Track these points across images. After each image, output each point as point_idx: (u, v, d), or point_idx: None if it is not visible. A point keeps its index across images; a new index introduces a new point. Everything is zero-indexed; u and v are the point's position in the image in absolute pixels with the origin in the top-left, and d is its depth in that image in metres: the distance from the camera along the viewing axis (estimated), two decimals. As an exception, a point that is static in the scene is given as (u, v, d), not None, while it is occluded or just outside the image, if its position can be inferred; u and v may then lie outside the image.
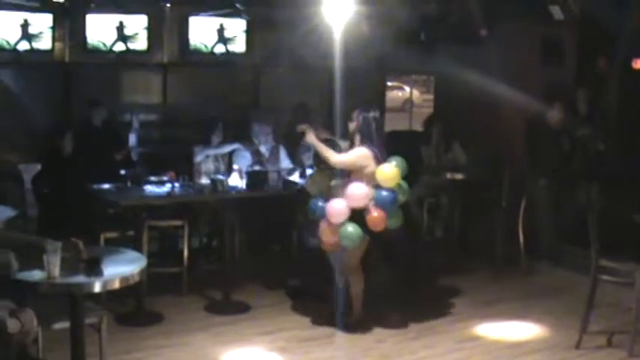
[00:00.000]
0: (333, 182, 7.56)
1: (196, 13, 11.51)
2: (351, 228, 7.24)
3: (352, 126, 7.54)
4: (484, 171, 9.70)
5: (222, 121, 9.49)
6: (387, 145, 7.63)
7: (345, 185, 7.38)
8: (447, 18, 10.39)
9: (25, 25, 10.61)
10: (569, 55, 10.41)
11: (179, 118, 11.06)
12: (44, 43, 10.72)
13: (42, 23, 10.69)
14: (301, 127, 7.70)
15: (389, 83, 13.65)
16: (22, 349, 4.80)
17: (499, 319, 8.00)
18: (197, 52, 11.55)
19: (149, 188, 8.27)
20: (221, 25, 11.67)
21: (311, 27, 9.40)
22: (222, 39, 11.66)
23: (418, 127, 11.26)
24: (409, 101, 19.35)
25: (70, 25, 10.99)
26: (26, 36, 10.63)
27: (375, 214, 7.28)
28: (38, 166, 9.04)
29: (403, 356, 7.06)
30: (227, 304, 8.20)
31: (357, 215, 7.27)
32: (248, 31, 11.77)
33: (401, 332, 7.63)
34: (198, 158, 9.12)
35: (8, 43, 10.47)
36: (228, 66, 11.74)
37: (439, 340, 7.44)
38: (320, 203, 7.44)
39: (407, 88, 21.87)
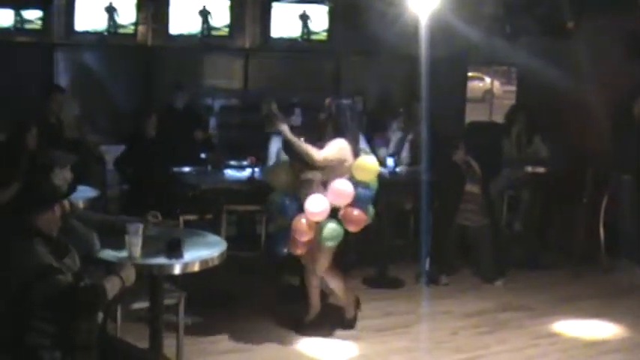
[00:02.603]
0: (304, 176, 6.88)
1: (279, -2, 11.55)
2: (334, 225, 6.78)
3: (323, 116, 6.98)
4: (566, 165, 9.54)
5: (300, 107, 9.47)
6: (467, 137, 7.48)
7: (322, 180, 6.83)
8: (534, 10, 10.23)
9: (109, 9, 10.75)
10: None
11: (260, 103, 11.08)
12: (128, 26, 10.85)
13: (126, 7, 10.81)
14: (271, 113, 7.12)
15: (469, 73, 13.49)
16: (102, 326, 4.85)
17: (577, 317, 7.86)
18: (279, 37, 11.57)
19: (229, 172, 8.33)
20: (303, 12, 11.69)
21: (394, 15, 9.35)
22: (304, 25, 11.67)
23: (498, 118, 11.11)
24: (489, 92, 19.12)
25: (153, 9, 11.10)
26: (110, 20, 10.76)
27: (355, 213, 6.82)
28: (120, 148, 9.14)
29: (477, 350, 7.00)
30: (302, 290, 8.20)
31: (333, 213, 6.83)
32: (330, 18, 11.76)
33: (475, 326, 7.56)
34: (274, 147, 9.14)
35: (94, 28, 10.64)
36: (309, 52, 11.74)
37: (514, 336, 7.35)
38: (288, 201, 6.89)
39: (487, 79, 21.63)
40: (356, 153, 6.89)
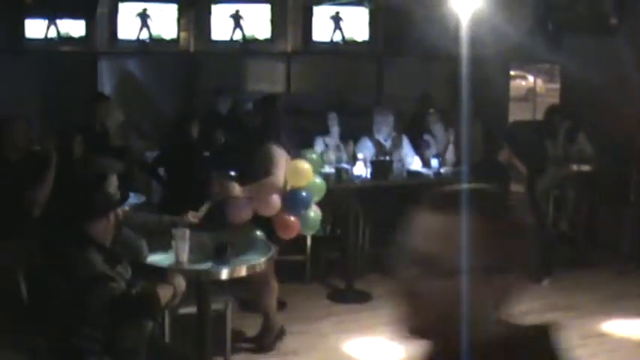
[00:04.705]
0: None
1: (320, 2, 11.56)
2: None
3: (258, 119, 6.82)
4: (612, 163, 9.46)
5: (336, 111, 9.46)
6: (511, 136, 7.37)
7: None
8: (576, 6, 10.17)
9: (150, 16, 10.83)
10: None
11: (302, 107, 11.10)
12: (170, 33, 10.94)
13: (167, 13, 10.90)
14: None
15: (511, 72, 13.42)
16: (151, 331, 4.88)
17: (625, 317, 7.78)
18: (320, 41, 11.59)
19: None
20: (343, 14, 11.70)
21: (436, 15, 9.33)
22: (346, 28, 11.68)
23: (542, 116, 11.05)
24: (532, 90, 19.02)
25: (194, 15, 11.18)
26: (152, 26, 10.85)
27: (287, 221, 6.60)
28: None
29: (525, 350, 6.94)
30: (349, 293, 8.22)
31: (264, 219, 6.60)
32: (371, 20, 11.77)
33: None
34: (318, 148, 9.14)
35: (136, 36, 10.74)
36: (351, 55, 11.75)
37: (561, 336, 7.27)
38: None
39: (530, 77, 21.50)
40: (290, 155, 6.71)
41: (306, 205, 6.74)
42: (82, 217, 4.40)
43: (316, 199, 6.90)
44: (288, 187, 6.65)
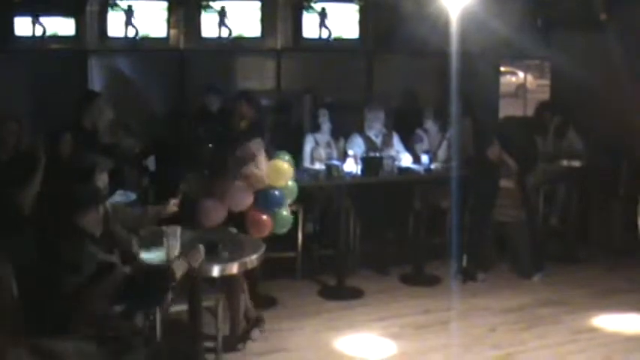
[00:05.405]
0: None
1: (310, -1, 11.54)
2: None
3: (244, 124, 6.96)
4: (602, 158, 9.49)
5: (327, 107, 9.47)
6: (502, 132, 7.40)
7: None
8: (565, 2, 10.19)
9: (140, 13, 10.79)
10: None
11: (293, 104, 11.10)
12: (159, 30, 10.90)
13: (157, 11, 10.86)
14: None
15: (502, 68, 13.42)
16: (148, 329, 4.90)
17: (616, 311, 7.80)
18: (310, 38, 11.56)
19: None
20: (333, 11, 11.67)
21: (426, 11, 9.34)
22: (336, 25, 11.65)
23: (532, 113, 11.08)
24: (522, 87, 19.03)
25: (184, 12, 11.14)
26: (139, 24, 10.80)
27: (260, 219, 6.72)
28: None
29: (516, 346, 6.98)
30: (341, 290, 8.23)
31: (237, 218, 6.69)
32: (361, 17, 11.74)
33: (514, 322, 7.53)
34: (308, 145, 9.15)
35: (126, 33, 10.69)
36: (341, 52, 11.72)
37: (552, 331, 7.32)
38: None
39: (520, 74, 21.52)
40: (269, 154, 6.86)
41: (279, 203, 6.84)
42: (72, 208, 4.43)
43: (289, 200, 7.02)
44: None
